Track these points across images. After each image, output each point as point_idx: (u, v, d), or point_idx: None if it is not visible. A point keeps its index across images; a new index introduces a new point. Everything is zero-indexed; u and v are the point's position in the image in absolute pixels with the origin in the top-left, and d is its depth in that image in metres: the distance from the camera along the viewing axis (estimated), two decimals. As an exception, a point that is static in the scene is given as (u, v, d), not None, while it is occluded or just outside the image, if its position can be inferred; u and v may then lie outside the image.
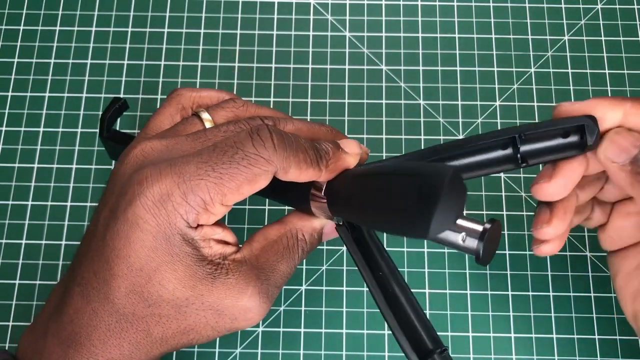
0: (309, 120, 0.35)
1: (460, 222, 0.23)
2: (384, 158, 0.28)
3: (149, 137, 0.27)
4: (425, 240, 0.39)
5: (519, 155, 0.26)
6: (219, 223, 0.26)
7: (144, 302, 0.24)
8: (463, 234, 0.23)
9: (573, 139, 0.25)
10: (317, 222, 0.28)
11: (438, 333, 0.37)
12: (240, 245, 0.27)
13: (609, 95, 0.42)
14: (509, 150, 0.26)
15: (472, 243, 0.23)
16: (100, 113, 0.42)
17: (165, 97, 0.42)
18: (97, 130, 0.41)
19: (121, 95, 0.42)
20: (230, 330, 0.26)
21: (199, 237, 0.24)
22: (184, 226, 0.24)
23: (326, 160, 0.26)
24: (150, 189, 0.24)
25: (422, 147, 0.41)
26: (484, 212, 0.39)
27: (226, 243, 0.26)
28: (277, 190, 0.28)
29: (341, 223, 0.28)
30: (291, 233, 0.28)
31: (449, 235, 0.23)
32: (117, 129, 0.41)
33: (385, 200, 0.22)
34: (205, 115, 0.29)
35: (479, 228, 0.23)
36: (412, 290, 0.38)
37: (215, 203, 0.24)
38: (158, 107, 0.32)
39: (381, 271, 0.27)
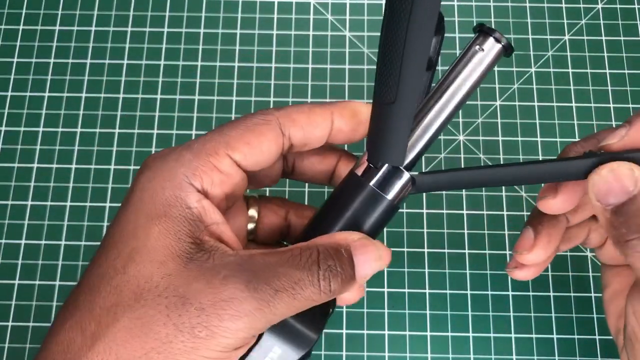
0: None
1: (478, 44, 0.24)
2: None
3: None
4: (425, 241, 0.39)
5: None
6: (225, 222, 0.23)
7: (109, 285, 0.21)
8: (475, 47, 0.24)
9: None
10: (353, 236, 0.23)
11: (438, 333, 0.37)
12: None
13: (610, 94, 0.42)
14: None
15: (494, 45, 0.24)
16: (100, 112, 0.42)
17: (164, 96, 0.42)
18: (97, 130, 0.41)
19: (120, 95, 0.42)
20: (195, 336, 0.20)
21: (195, 207, 0.22)
22: (183, 180, 0.22)
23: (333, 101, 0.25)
24: (152, 156, 0.23)
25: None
26: (485, 212, 0.39)
27: (222, 242, 0.22)
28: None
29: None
30: (307, 245, 0.22)
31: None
32: (117, 128, 0.41)
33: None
34: None
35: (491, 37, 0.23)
36: (413, 290, 0.38)
37: (219, 152, 0.22)
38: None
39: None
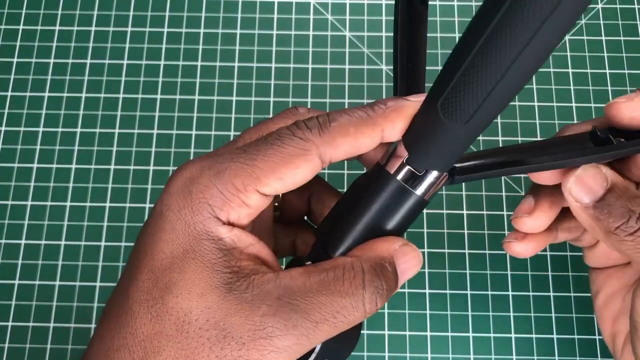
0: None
1: None
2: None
3: None
4: (425, 240, 0.39)
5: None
6: (257, 236, 0.22)
7: (150, 313, 0.21)
8: None
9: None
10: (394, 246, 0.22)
11: (438, 333, 0.37)
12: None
13: (610, 94, 0.42)
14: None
15: None
16: (100, 112, 0.42)
17: (164, 96, 0.42)
18: (97, 130, 0.41)
19: (120, 95, 0.42)
20: None
21: (227, 237, 0.21)
22: (210, 215, 0.21)
23: (381, 108, 0.21)
24: (180, 175, 0.22)
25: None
26: (484, 212, 0.39)
27: (260, 261, 0.22)
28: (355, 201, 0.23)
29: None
30: (351, 264, 0.21)
31: None
32: (117, 128, 0.41)
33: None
34: None
35: None
36: (413, 290, 0.38)
37: (248, 189, 0.21)
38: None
39: None
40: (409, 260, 0.22)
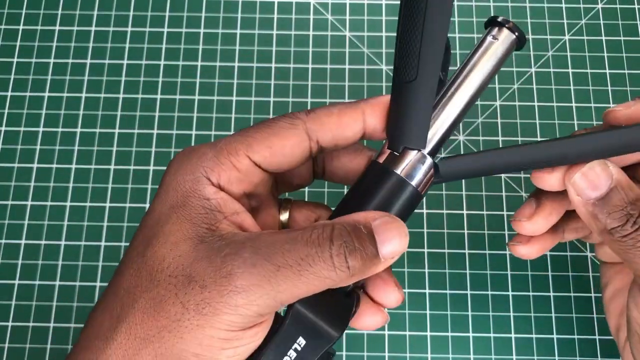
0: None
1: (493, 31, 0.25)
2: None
3: None
4: (425, 240, 0.39)
5: None
6: (246, 210, 0.23)
7: (132, 268, 0.22)
8: (490, 38, 0.24)
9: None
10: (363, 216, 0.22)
11: (438, 333, 0.37)
12: None
13: (610, 94, 0.42)
14: None
15: (509, 36, 0.24)
16: (100, 113, 0.42)
17: (164, 96, 0.42)
18: (97, 130, 0.41)
19: (120, 95, 0.42)
20: (199, 313, 0.20)
21: (214, 199, 0.22)
22: (201, 175, 0.22)
23: (364, 99, 0.24)
24: (183, 150, 0.24)
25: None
26: (484, 212, 0.39)
27: (243, 230, 0.22)
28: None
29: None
30: (322, 224, 0.21)
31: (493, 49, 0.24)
32: (117, 128, 0.41)
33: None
34: None
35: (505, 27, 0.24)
36: (413, 290, 0.38)
37: (239, 152, 0.23)
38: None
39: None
40: (389, 230, 0.21)
